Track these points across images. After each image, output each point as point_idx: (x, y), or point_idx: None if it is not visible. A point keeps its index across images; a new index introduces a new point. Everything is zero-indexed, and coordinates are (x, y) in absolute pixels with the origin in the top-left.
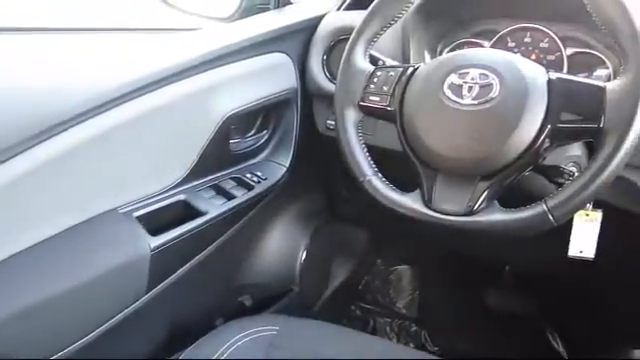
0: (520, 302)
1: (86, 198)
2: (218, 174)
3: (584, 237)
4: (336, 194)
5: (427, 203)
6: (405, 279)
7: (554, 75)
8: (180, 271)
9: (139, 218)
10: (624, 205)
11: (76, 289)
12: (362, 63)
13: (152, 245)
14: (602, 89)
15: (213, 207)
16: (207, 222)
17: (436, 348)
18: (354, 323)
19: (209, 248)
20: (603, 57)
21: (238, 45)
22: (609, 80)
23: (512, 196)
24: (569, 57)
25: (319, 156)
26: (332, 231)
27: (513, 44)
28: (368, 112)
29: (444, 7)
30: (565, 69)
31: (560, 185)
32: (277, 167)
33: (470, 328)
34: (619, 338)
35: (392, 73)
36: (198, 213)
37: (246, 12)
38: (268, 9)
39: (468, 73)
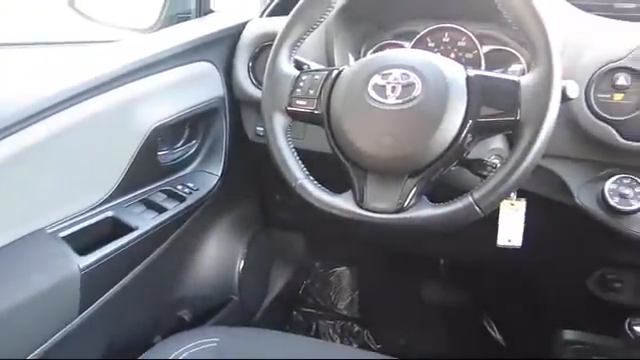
0: (456, 294)
1: (10, 219)
2: (148, 187)
3: (511, 226)
4: (270, 200)
5: (359, 203)
6: (344, 280)
7: (472, 72)
8: (113, 290)
9: (66, 238)
10: (545, 193)
11: (4, 315)
12: (287, 68)
13: (81, 265)
14: (517, 83)
15: (144, 222)
16: (138, 237)
17: (379, 346)
18: (297, 328)
19: (143, 263)
20: (517, 53)
21: (161, 55)
22: (523, 74)
23: (440, 191)
24: (486, 54)
25: (251, 163)
26: (269, 237)
27: (433, 44)
28: (296, 116)
29: (365, 10)
30: (483, 66)
31: (484, 177)
32: (209, 176)
33: (410, 323)
34: (550, 320)
35: (317, 77)
36: (128, 229)
37: (167, 22)
38: (189, 18)
39: (391, 74)
